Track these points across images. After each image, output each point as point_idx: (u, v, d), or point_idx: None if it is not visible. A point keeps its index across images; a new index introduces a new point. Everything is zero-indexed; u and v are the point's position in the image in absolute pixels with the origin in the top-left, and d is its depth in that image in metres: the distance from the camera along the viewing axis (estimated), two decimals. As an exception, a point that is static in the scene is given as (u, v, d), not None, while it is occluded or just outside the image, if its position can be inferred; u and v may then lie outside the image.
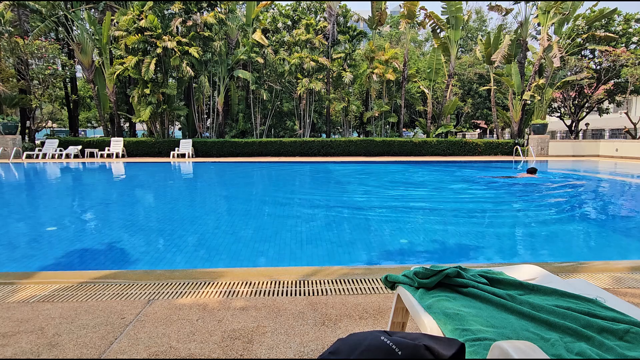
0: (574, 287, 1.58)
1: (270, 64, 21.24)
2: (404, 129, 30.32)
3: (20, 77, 19.47)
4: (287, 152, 19.67)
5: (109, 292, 2.65)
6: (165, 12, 20.45)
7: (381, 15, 21.80)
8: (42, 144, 18.76)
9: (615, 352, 1.08)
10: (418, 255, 4.37)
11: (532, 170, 10.66)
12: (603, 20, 22.55)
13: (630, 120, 24.90)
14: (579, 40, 21.98)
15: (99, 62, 20.59)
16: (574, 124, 26.87)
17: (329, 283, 2.80)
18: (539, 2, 19.86)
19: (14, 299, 2.53)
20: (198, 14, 19.62)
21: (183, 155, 18.73)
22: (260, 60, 20.02)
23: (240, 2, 24.51)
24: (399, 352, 0.82)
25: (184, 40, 18.71)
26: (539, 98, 19.97)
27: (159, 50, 18.11)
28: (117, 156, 18.42)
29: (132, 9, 19.02)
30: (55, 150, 18.13)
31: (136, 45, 18.08)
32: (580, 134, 31.62)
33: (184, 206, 7.52)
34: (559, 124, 37.12)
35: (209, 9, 20.08)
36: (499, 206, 7.50)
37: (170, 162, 16.81)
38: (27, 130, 20.77)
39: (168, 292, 2.64)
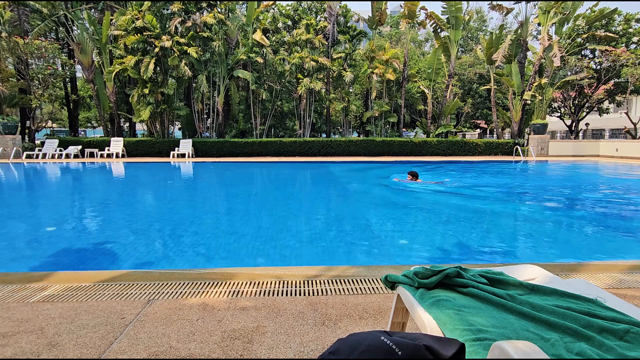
0: (574, 287, 1.58)
1: (270, 64, 21.24)
2: (404, 129, 30.32)
3: (20, 77, 19.46)
4: (287, 152, 19.67)
5: (109, 292, 2.65)
6: (165, 12, 20.44)
7: (381, 15, 21.79)
8: (42, 144, 18.76)
9: (615, 352, 1.08)
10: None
11: (413, 174, 9.33)
12: (603, 20, 22.54)
13: (631, 120, 24.90)
14: (579, 40, 21.98)
15: (98, 62, 20.59)
16: (574, 124, 26.86)
17: (329, 283, 2.80)
18: (540, 2, 19.86)
19: (14, 299, 2.53)
20: (197, 14, 19.61)
21: (183, 155, 18.73)
22: (260, 60, 20.01)
23: (240, 2, 24.50)
24: (399, 352, 0.82)
25: (182, 40, 18.71)
26: (540, 98, 19.97)
27: (157, 50, 18.11)
28: (117, 156, 18.42)
29: (130, 8, 19.01)
30: (55, 150, 18.12)
31: (135, 45, 18.08)
32: (581, 134, 31.62)
33: (184, 206, 7.53)
34: (559, 124, 37.13)
35: (209, 9, 20.08)
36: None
37: (170, 162, 16.80)
38: (27, 130, 20.77)
39: (168, 292, 2.64)
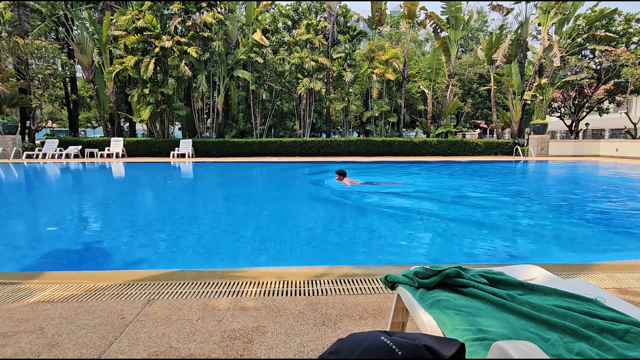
0: (574, 287, 1.58)
1: (270, 64, 21.24)
2: (404, 129, 30.32)
3: (20, 77, 19.46)
4: (287, 152, 19.67)
5: (109, 292, 2.65)
6: (165, 12, 20.44)
7: (381, 15, 21.79)
8: (42, 144, 18.76)
9: (615, 352, 1.08)
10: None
11: (341, 173, 9.14)
12: (603, 20, 22.54)
13: (630, 120, 24.90)
14: (579, 40, 21.97)
15: (98, 62, 20.59)
16: (574, 124, 26.86)
17: (329, 283, 2.80)
18: (540, 2, 19.86)
19: (14, 299, 2.53)
20: (197, 13, 19.61)
21: (183, 155, 18.72)
22: (260, 60, 20.01)
23: (240, 2, 24.48)
24: (399, 352, 0.82)
25: (182, 40, 18.70)
26: (540, 98, 19.96)
27: (157, 50, 18.11)
28: (117, 156, 18.42)
29: (130, 8, 19.01)
30: (55, 150, 18.12)
31: (135, 45, 18.07)
32: (581, 134, 31.62)
33: (184, 206, 7.53)
34: (559, 124, 37.11)
35: (209, 9, 20.09)
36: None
37: (170, 162, 16.80)
38: (27, 130, 20.77)
39: (168, 292, 2.64)
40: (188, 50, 18.48)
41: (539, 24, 20.39)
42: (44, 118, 23.10)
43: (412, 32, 31.56)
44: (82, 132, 40.69)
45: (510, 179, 12.72)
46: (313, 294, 2.60)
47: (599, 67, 23.21)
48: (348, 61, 24.17)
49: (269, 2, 22.29)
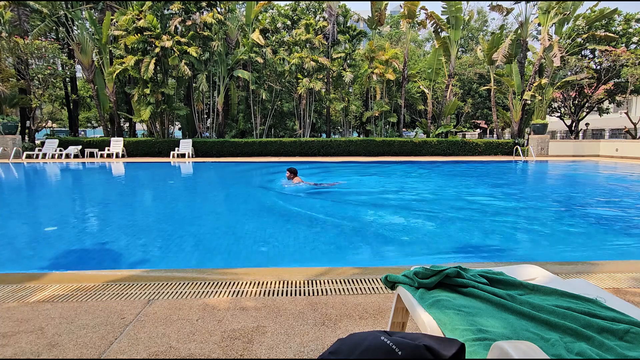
0: (574, 287, 1.58)
1: (270, 64, 21.24)
2: (404, 129, 30.33)
3: (20, 77, 19.46)
4: (287, 152, 19.67)
5: (109, 292, 2.65)
6: (165, 11, 20.45)
7: (380, 15, 21.78)
8: (42, 144, 18.76)
9: (615, 352, 1.08)
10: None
11: (292, 171, 9.00)
12: (603, 20, 22.54)
13: (630, 120, 24.90)
14: (579, 40, 21.98)
15: (98, 61, 20.59)
16: (574, 124, 26.86)
17: (329, 283, 2.80)
18: (540, 2, 19.86)
19: (14, 299, 2.53)
20: (197, 13, 19.61)
21: (183, 155, 18.72)
22: (260, 60, 20.02)
23: (240, 2, 24.49)
24: (399, 352, 0.82)
25: (183, 40, 18.71)
26: (540, 98, 19.96)
27: (157, 50, 18.11)
28: (117, 156, 18.41)
29: (131, 8, 19.02)
30: (55, 150, 18.12)
31: (135, 45, 18.08)
32: (581, 134, 31.62)
33: (184, 206, 7.52)
34: (559, 124, 37.12)
35: (209, 9, 20.10)
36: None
37: (170, 162, 16.80)
38: (27, 130, 20.77)
39: (168, 292, 2.64)
40: (188, 50, 18.48)
41: (539, 24, 20.39)
42: (44, 118, 23.10)
43: (412, 32, 31.60)
44: (82, 132, 40.69)
45: (510, 178, 12.72)
46: (313, 294, 2.60)
47: (599, 67, 23.21)
48: (348, 61, 24.17)
49: (267, 1, 22.29)
